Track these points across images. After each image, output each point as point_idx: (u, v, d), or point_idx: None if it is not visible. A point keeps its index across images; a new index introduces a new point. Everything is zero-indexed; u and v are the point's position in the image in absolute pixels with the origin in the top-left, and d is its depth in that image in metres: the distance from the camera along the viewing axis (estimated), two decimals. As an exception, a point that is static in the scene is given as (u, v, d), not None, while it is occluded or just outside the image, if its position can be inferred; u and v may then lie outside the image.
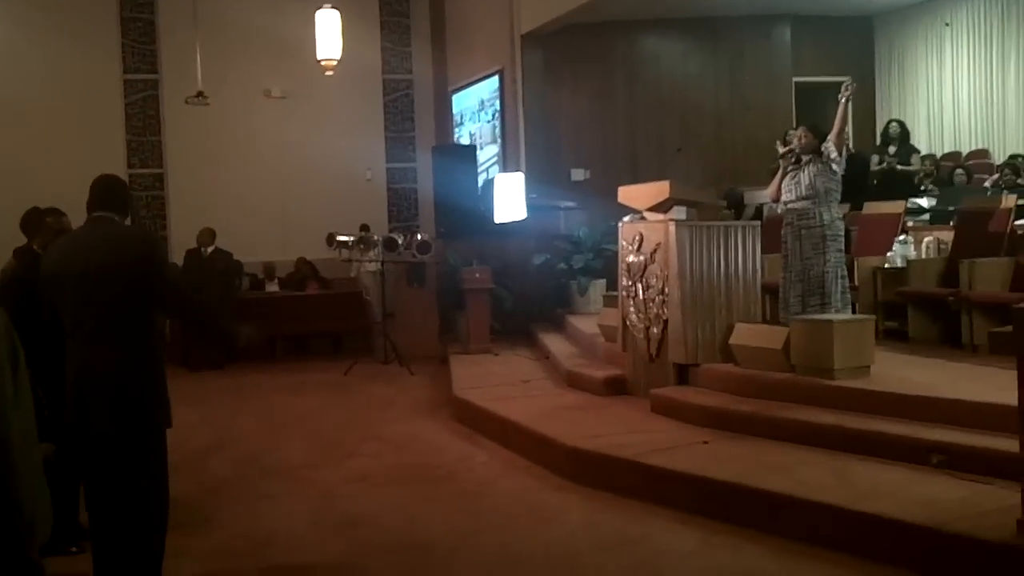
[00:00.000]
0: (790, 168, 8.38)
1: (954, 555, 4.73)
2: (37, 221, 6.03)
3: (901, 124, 13.02)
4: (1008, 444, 4.95)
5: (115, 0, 16.93)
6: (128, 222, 4.85)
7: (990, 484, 5.30)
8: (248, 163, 17.23)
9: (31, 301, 4.87)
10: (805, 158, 8.27)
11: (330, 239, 13.48)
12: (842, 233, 8.32)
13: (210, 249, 13.80)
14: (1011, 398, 4.68)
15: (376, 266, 13.54)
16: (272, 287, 15.60)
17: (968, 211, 9.40)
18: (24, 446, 3.36)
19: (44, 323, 4.77)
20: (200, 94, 14.84)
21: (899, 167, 12.46)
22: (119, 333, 4.52)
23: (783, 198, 8.42)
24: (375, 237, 13.35)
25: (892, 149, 12.60)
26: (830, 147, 8.15)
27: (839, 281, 8.19)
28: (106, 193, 4.76)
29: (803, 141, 8.33)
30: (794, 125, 13.75)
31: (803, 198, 8.19)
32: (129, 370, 4.53)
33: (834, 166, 8.14)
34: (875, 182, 12.52)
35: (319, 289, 15.51)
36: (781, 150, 8.65)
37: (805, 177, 8.20)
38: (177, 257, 15.03)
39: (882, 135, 13.21)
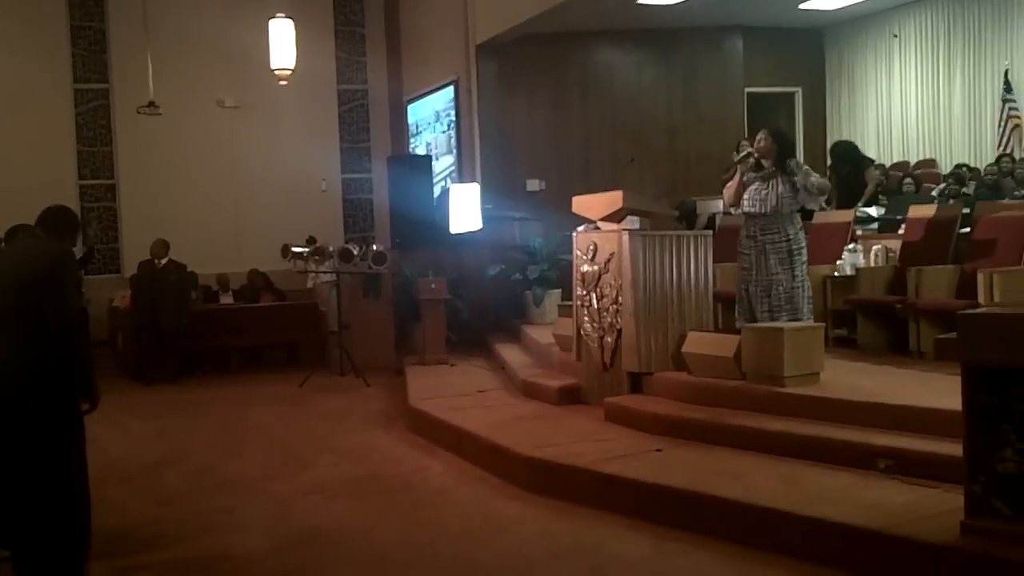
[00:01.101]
0: (750, 175, 8.23)
1: (899, 558, 4.80)
2: None
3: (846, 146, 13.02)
4: (953, 448, 5.01)
5: (65, 8, 16.77)
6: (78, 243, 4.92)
7: (935, 488, 5.38)
8: (201, 173, 17.12)
9: None
10: (767, 165, 8.15)
11: (285, 250, 13.43)
12: (804, 245, 8.21)
13: (164, 260, 13.64)
14: (956, 403, 4.75)
15: (332, 277, 13.52)
16: (226, 299, 15.50)
17: (916, 220, 9.52)
18: None
19: None
20: (152, 104, 14.76)
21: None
22: (22, 343, 4.60)
23: (745, 208, 8.27)
24: (330, 248, 13.32)
25: (846, 168, 12.56)
26: (810, 185, 8.06)
27: (806, 295, 8.15)
28: (47, 215, 4.90)
29: (763, 144, 8.19)
30: (745, 135, 13.90)
31: (766, 214, 8.11)
32: (29, 379, 4.59)
33: (806, 185, 8.06)
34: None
35: (274, 300, 15.45)
36: (740, 154, 8.58)
37: (773, 196, 8.04)
38: (130, 269, 14.94)
39: (833, 155, 13.22)
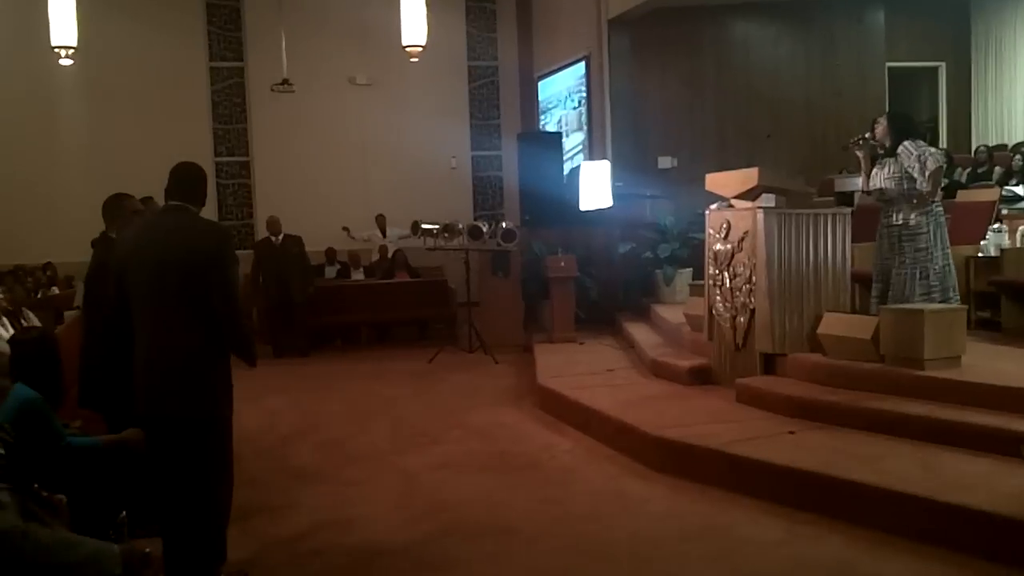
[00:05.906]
0: (877, 158, 8.05)
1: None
2: (114, 207, 6.14)
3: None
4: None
5: (200, -14, 17.18)
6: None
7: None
8: (333, 151, 17.36)
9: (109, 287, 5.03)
10: (886, 148, 7.99)
11: (415, 227, 13.52)
12: (924, 230, 7.74)
13: (280, 236, 13.80)
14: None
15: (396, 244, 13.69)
16: (357, 275, 15.67)
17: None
18: None
19: (117, 307, 4.87)
20: (285, 81, 14.98)
21: None
22: (187, 323, 4.62)
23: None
24: (459, 225, 13.33)
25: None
26: (917, 177, 7.70)
27: (920, 281, 7.75)
28: (184, 183, 4.87)
29: (878, 130, 8.03)
30: (887, 110, 13.50)
31: (882, 198, 7.96)
32: (195, 360, 4.64)
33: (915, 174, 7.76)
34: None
35: (408, 277, 15.50)
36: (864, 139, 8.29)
37: (881, 179, 7.92)
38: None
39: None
